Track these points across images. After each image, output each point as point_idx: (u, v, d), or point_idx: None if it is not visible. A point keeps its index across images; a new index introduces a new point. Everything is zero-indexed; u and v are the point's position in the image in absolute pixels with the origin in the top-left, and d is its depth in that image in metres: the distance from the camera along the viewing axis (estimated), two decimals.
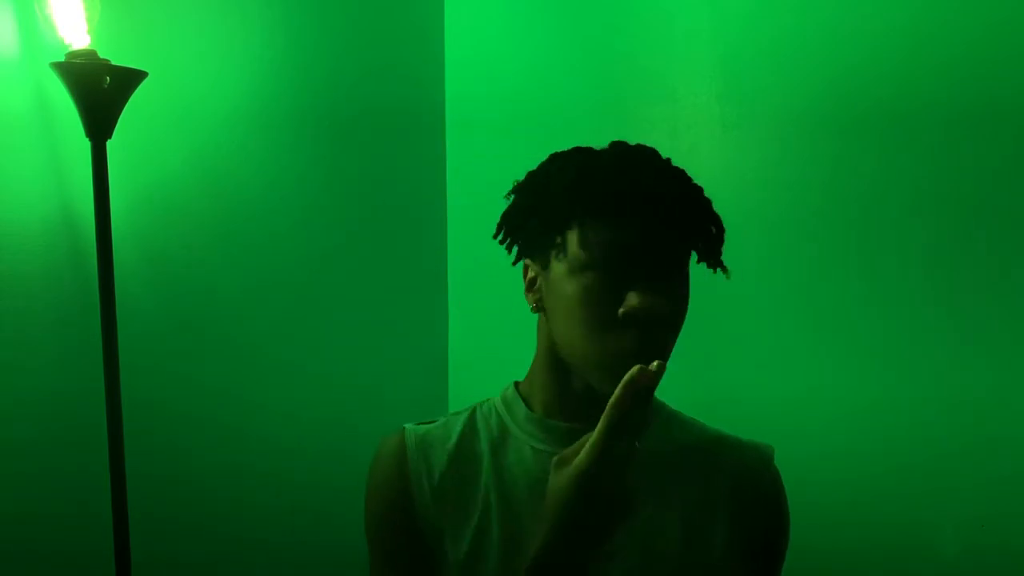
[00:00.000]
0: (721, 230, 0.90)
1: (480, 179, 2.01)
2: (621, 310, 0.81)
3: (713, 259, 0.89)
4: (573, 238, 0.84)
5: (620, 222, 0.81)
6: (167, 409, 1.58)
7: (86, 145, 1.36)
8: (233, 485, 1.69)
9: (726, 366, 1.66)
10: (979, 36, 1.43)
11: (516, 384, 0.97)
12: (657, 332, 0.82)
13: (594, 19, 1.88)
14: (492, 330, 1.95)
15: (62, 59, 1.32)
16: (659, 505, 0.88)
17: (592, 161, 0.87)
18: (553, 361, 0.90)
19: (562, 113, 1.89)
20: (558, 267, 0.85)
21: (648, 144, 1.61)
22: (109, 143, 1.37)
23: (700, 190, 0.90)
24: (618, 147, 0.91)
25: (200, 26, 1.62)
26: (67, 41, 1.34)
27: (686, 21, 1.75)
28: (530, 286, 0.91)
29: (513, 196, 0.93)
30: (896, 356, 1.52)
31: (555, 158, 0.92)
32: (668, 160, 0.91)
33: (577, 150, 0.91)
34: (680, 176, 0.89)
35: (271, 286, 1.76)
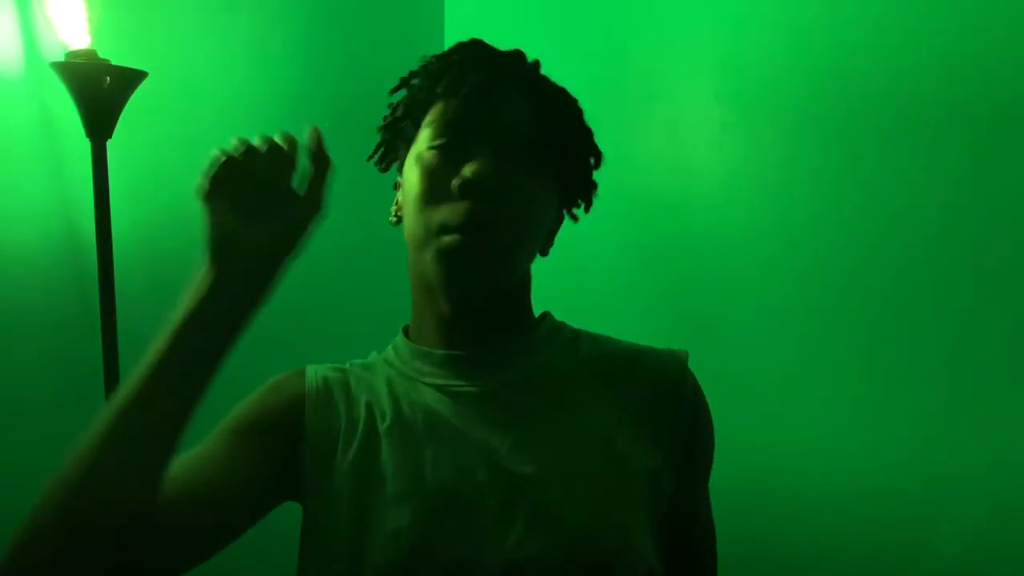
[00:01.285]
0: (581, 144, 0.88)
1: None
2: (455, 181, 0.78)
3: (570, 171, 0.87)
4: (423, 125, 0.85)
5: (460, 99, 0.81)
6: None
7: (86, 145, 1.36)
8: None
9: (726, 364, 1.66)
10: (980, 35, 1.43)
11: (404, 327, 0.94)
12: (487, 207, 0.78)
13: (594, 19, 1.88)
14: None
15: (62, 59, 1.32)
16: (574, 423, 0.81)
17: (447, 53, 0.88)
18: (416, 281, 0.88)
19: None
20: (408, 161, 0.86)
21: (648, 144, 1.63)
22: (109, 143, 1.37)
23: (556, 91, 0.88)
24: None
25: (200, 26, 1.62)
26: (67, 41, 1.34)
27: (686, 21, 1.75)
28: (395, 201, 0.92)
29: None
30: (896, 355, 1.52)
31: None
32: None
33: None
34: (537, 78, 0.88)
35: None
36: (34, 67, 1.39)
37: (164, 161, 1.56)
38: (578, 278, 1.79)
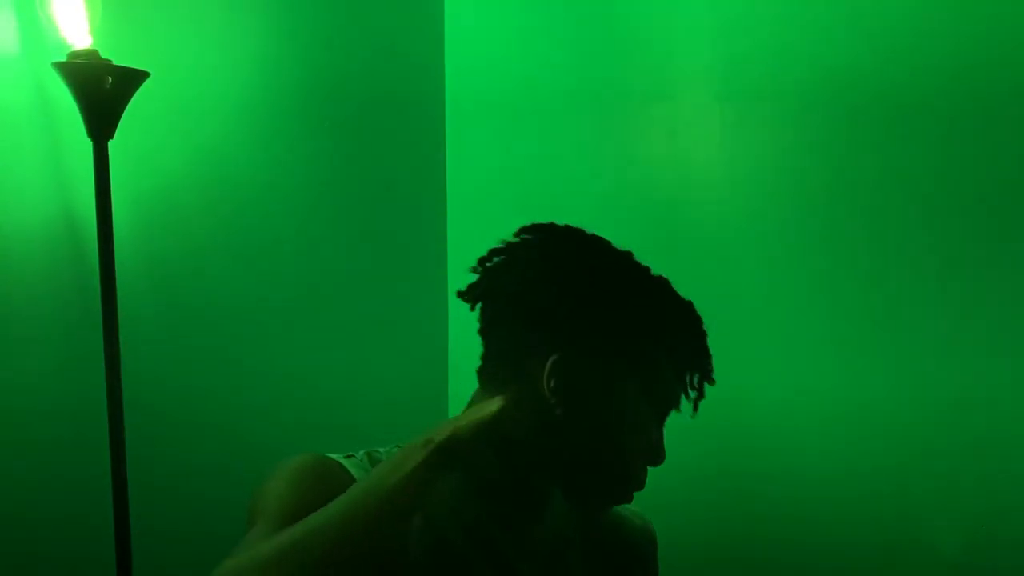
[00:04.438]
0: None
1: (480, 179, 2.02)
2: (654, 457, 0.88)
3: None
4: (650, 367, 0.87)
5: (691, 392, 0.88)
6: (168, 409, 1.58)
7: (88, 145, 1.36)
8: (233, 486, 1.68)
9: (727, 365, 1.66)
10: (979, 34, 1.43)
11: None
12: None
13: (594, 19, 1.88)
14: None
15: (64, 59, 1.32)
16: None
17: (671, 306, 0.91)
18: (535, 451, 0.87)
19: (562, 113, 1.89)
20: (626, 382, 0.87)
21: (648, 144, 1.60)
22: (111, 143, 1.37)
23: None
24: (676, 300, 0.92)
25: (201, 26, 1.62)
26: (69, 41, 1.34)
27: (686, 20, 1.75)
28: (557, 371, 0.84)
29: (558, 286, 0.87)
30: (897, 354, 1.52)
31: (626, 283, 0.90)
32: None
33: (640, 279, 0.91)
34: None
35: (272, 286, 1.76)
36: (35, 67, 1.39)
37: (166, 162, 1.56)
38: None
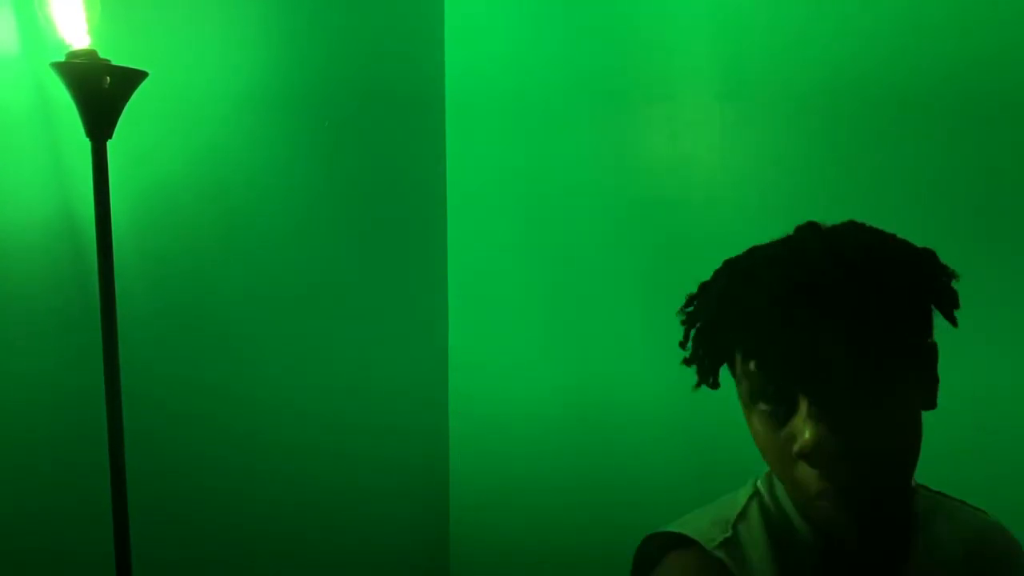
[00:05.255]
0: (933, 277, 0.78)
1: (480, 179, 2.02)
2: (795, 450, 0.69)
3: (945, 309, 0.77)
4: (739, 361, 0.74)
5: (777, 332, 0.69)
6: (167, 408, 1.58)
7: (86, 145, 1.36)
8: (233, 484, 1.69)
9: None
10: (976, 36, 1.43)
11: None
12: (850, 467, 0.68)
13: (594, 19, 1.88)
14: (492, 330, 1.96)
15: (62, 59, 1.32)
16: None
17: (748, 263, 0.77)
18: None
19: (562, 113, 1.89)
20: (741, 390, 0.76)
21: (648, 144, 1.59)
22: (109, 143, 1.37)
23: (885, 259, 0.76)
24: (787, 241, 0.77)
25: (200, 26, 1.62)
26: (67, 41, 1.34)
27: (686, 20, 1.75)
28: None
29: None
30: None
31: (725, 264, 0.80)
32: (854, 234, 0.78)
33: (749, 251, 0.79)
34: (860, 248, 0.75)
35: (271, 286, 1.76)
36: (34, 67, 1.39)
37: (165, 161, 1.56)
38: (578, 277, 1.79)
